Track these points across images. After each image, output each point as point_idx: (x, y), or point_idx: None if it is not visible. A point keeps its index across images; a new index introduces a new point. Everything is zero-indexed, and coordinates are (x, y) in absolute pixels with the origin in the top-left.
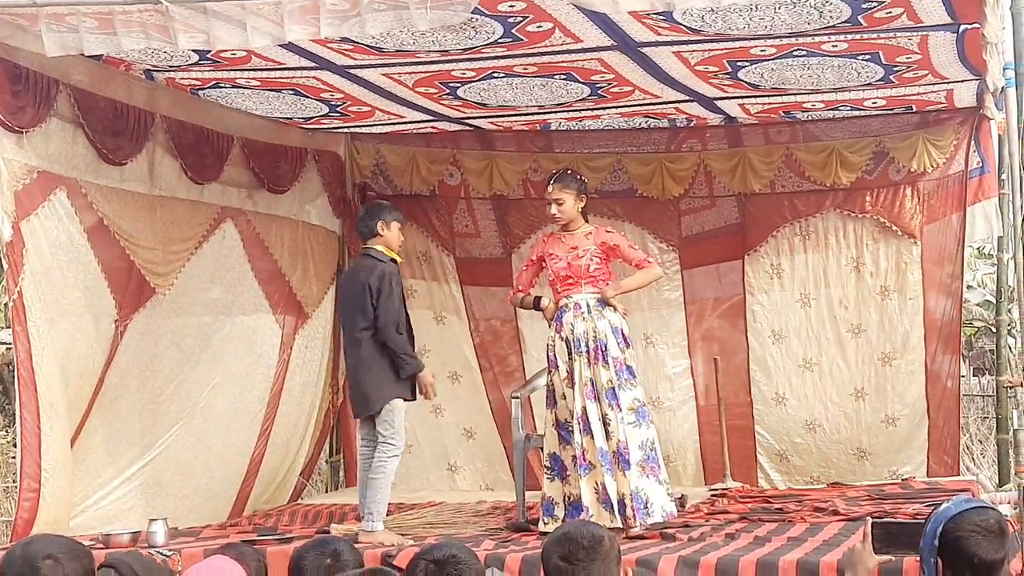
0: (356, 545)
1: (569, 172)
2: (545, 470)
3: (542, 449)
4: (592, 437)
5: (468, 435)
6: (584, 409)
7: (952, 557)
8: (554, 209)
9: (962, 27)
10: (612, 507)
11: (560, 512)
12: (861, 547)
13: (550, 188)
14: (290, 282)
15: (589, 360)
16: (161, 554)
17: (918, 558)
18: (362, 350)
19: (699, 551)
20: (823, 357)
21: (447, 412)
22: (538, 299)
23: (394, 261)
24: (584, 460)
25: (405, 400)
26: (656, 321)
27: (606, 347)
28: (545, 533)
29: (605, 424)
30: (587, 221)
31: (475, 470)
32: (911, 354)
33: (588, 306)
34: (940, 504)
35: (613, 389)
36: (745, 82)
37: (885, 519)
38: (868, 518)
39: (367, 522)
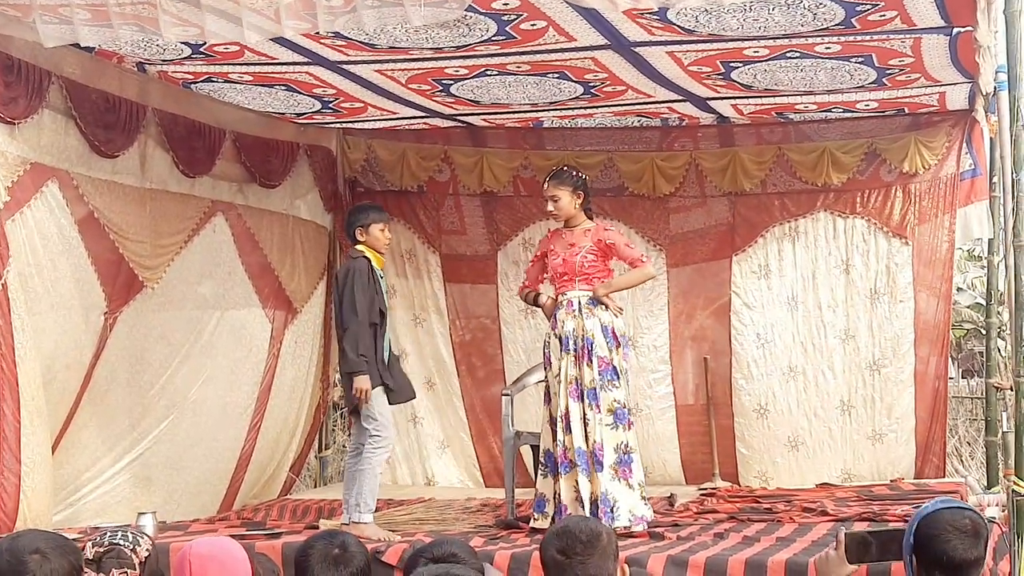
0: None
1: (565, 168)
2: (539, 466)
3: (533, 446)
4: (573, 436)
5: (443, 446)
6: (567, 408)
7: (924, 555)
8: (550, 206)
9: (955, 30)
10: (584, 507)
11: (550, 509)
12: (835, 556)
13: (546, 185)
14: (279, 277)
15: (576, 358)
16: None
17: (896, 561)
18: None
19: (688, 550)
20: (808, 365)
21: (424, 421)
22: (537, 295)
23: (366, 258)
24: (565, 458)
25: (386, 396)
26: (639, 322)
27: (592, 346)
28: (536, 529)
29: (584, 424)
30: (591, 218)
31: (451, 476)
32: (901, 360)
33: (579, 304)
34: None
35: (595, 389)
36: (738, 83)
37: (858, 530)
38: (841, 528)
39: (354, 513)
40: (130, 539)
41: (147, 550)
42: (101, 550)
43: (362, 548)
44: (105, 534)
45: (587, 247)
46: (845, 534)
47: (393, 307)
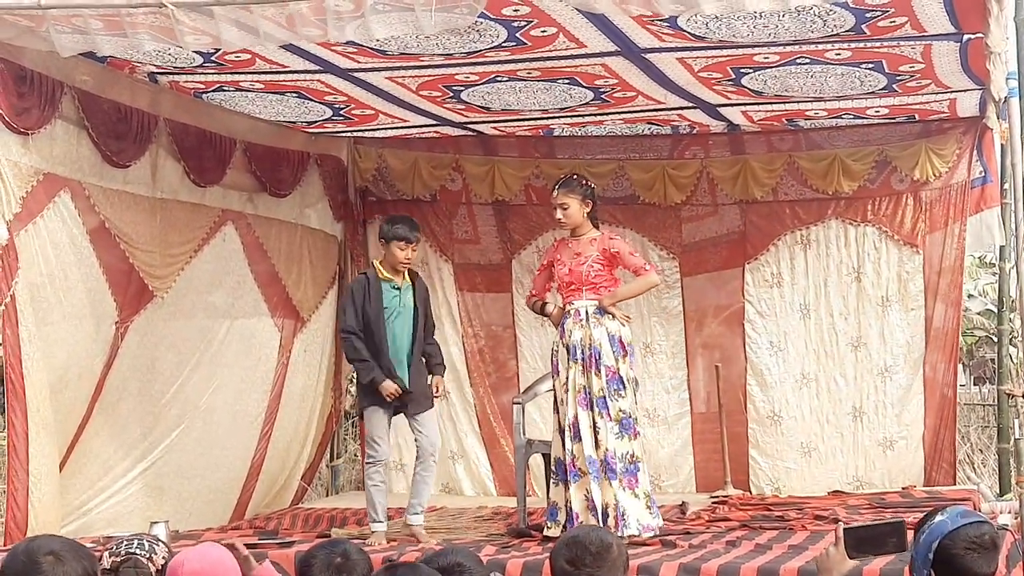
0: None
1: (575, 177)
2: (551, 474)
3: (545, 455)
4: (582, 444)
5: (456, 454)
6: (576, 416)
7: (945, 572)
8: (559, 214)
9: (965, 37)
10: (598, 515)
11: (562, 517)
12: (834, 552)
13: (555, 193)
14: (285, 286)
15: (584, 368)
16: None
17: (895, 553)
18: None
19: (700, 558)
20: (821, 372)
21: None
22: (544, 304)
23: (373, 274)
24: (574, 467)
25: (382, 409)
26: (654, 330)
27: (600, 355)
28: (548, 537)
29: (595, 432)
30: (597, 227)
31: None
32: (911, 367)
33: (586, 313)
34: (932, 514)
35: (604, 398)
36: (748, 89)
37: (855, 525)
38: (840, 524)
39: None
40: (146, 547)
41: (163, 557)
42: (118, 559)
43: (364, 556)
44: (121, 543)
45: (593, 256)
46: (843, 529)
47: None
